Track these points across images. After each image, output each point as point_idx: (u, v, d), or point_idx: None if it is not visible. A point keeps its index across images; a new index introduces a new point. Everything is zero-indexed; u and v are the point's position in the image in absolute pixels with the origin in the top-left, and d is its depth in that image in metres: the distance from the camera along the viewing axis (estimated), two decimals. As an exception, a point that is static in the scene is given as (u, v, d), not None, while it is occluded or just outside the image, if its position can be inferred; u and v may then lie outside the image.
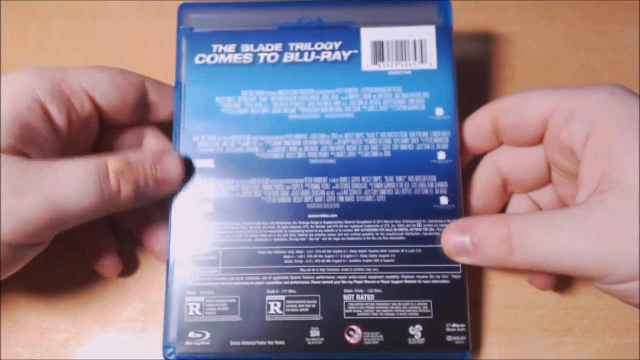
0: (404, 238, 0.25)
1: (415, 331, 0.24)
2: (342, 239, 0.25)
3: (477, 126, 0.26)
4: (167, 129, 0.28)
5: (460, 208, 0.26)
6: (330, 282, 0.25)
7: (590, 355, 0.27)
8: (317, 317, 0.25)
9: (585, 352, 0.27)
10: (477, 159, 0.28)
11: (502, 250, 0.22)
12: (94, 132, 0.26)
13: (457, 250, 0.23)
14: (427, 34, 0.27)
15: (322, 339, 0.24)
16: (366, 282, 0.25)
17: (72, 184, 0.22)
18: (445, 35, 0.27)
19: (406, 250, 0.25)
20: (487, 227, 0.22)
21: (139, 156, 0.24)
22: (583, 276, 0.21)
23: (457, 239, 0.23)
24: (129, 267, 0.29)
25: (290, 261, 0.25)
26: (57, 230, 0.23)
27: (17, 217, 0.21)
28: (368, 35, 0.27)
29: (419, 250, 0.25)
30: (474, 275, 0.28)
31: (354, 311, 0.25)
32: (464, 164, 0.27)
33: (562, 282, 0.28)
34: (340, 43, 0.27)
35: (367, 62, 0.27)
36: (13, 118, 0.22)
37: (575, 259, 0.20)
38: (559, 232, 0.20)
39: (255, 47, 0.27)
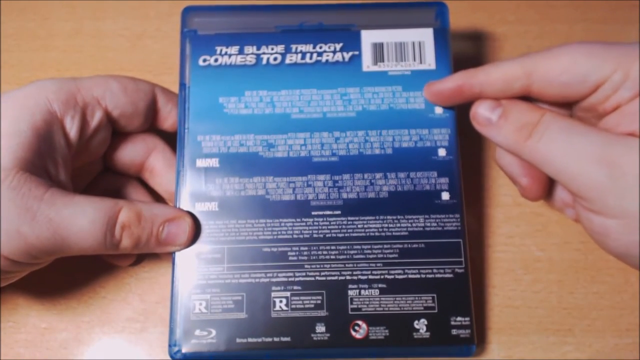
0: (407, 233, 0.26)
1: (421, 325, 0.25)
2: (346, 235, 0.26)
3: (507, 83, 0.24)
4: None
5: (462, 203, 0.26)
6: (335, 278, 0.25)
7: (590, 355, 0.28)
8: (323, 312, 0.25)
9: (585, 352, 0.28)
10: (476, 158, 0.28)
11: (522, 134, 0.23)
12: (106, 141, 0.27)
13: (483, 117, 0.24)
14: (425, 35, 0.28)
15: (328, 335, 0.25)
16: (370, 277, 0.25)
17: (80, 223, 0.22)
18: (442, 36, 0.28)
19: (409, 245, 0.26)
20: (524, 106, 0.24)
21: (152, 211, 0.25)
22: (576, 192, 0.22)
23: (489, 105, 0.24)
24: (129, 267, 0.29)
25: (295, 258, 0.26)
26: (57, 257, 0.24)
27: (22, 240, 0.22)
28: (368, 38, 0.28)
29: (422, 245, 0.26)
30: (474, 275, 0.28)
31: (359, 306, 0.25)
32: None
33: (561, 282, 0.29)
34: (341, 45, 0.28)
35: (367, 63, 0.28)
36: (31, 133, 0.23)
37: (578, 172, 0.21)
38: (579, 142, 0.21)
39: (258, 48, 0.28)
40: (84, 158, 0.26)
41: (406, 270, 0.25)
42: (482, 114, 0.24)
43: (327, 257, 0.26)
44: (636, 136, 0.21)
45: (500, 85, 0.24)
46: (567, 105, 0.24)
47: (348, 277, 0.25)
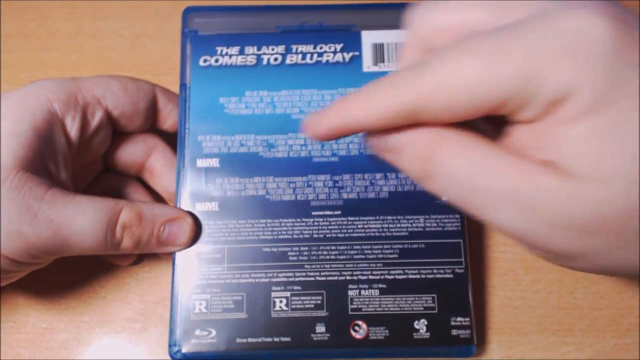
0: (407, 233, 0.26)
1: (420, 325, 0.25)
2: (346, 235, 0.26)
3: (392, 123, 0.17)
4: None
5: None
6: (335, 278, 0.25)
7: (590, 355, 0.28)
8: (323, 313, 0.25)
9: (585, 352, 0.28)
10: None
11: (421, 174, 0.17)
12: (106, 141, 0.27)
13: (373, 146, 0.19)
14: (425, 36, 0.28)
15: (328, 335, 0.25)
16: (371, 277, 0.25)
17: (81, 223, 0.22)
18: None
19: (409, 246, 0.26)
20: (416, 142, 0.17)
21: (153, 212, 0.25)
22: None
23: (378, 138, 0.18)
24: (129, 267, 0.29)
25: (295, 258, 0.26)
26: (58, 256, 0.24)
27: (23, 240, 0.22)
28: (368, 38, 0.28)
29: (422, 245, 0.26)
30: (474, 276, 0.28)
31: (359, 306, 0.25)
32: None
33: (561, 281, 0.29)
34: (341, 45, 0.28)
35: (368, 64, 0.28)
36: (32, 132, 0.23)
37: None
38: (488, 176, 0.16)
39: (259, 49, 0.28)
40: (85, 158, 0.26)
41: (406, 271, 0.25)
42: (372, 143, 0.19)
43: (327, 257, 0.26)
44: (553, 168, 0.15)
45: (385, 125, 0.17)
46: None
47: (348, 277, 0.25)
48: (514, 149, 0.16)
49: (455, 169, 0.16)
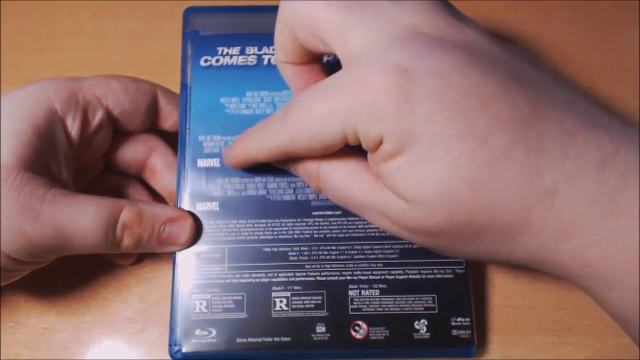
0: None
1: (421, 326, 0.25)
2: (347, 235, 0.26)
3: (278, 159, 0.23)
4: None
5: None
6: (336, 278, 0.25)
7: (590, 355, 0.28)
8: (323, 313, 0.25)
9: (585, 352, 0.28)
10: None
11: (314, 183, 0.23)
12: (107, 140, 0.27)
13: None
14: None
15: (328, 335, 0.25)
16: (371, 277, 0.25)
17: (82, 222, 0.23)
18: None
19: (410, 246, 0.26)
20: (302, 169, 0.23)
21: (153, 211, 0.25)
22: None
23: None
24: (129, 267, 0.29)
25: (296, 258, 0.26)
26: (59, 255, 0.24)
27: (24, 239, 0.22)
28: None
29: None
30: (475, 276, 0.28)
31: (359, 307, 0.25)
32: None
33: (561, 281, 0.29)
34: (342, 45, 0.28)
35: (368, 64, 0.28)
36: (33, 132, 0.23)
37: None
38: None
39: (260, 49, 0.28)
40: (85, 157, 0.26)
41: (406, 271, 0.25)
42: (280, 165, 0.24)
43: (328, 257, 0.26)
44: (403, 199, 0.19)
45: (275, 159, 0.23)
46: None
47: (348, 277, 0.25)
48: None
49: (334, 184, 0.22)
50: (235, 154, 0.24)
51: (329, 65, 0.28)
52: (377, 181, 0.20)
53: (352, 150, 0.21)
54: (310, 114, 0.20)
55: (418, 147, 0.18)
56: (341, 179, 0.21)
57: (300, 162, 0.23)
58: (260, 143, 0.22)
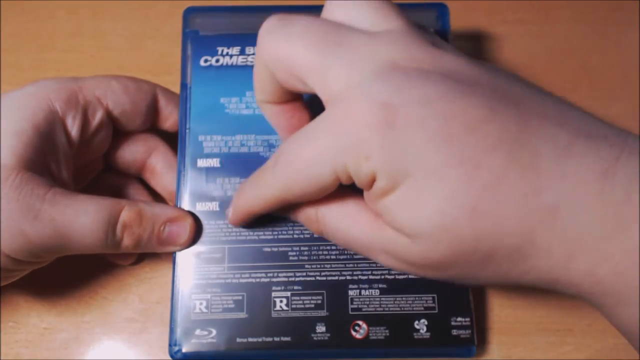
0: None
1: (421, 325, 0.25)
2: None
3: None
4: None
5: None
6: (335, 278, 0.25)
7: (590, 355, 0.28)
8: (323, 312, 0.25)
9: (585, 352, 0.28)
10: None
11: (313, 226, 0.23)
12: (107, 140, 0.27)
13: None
14: (426, 37, 0.28)
15: (328, 335, 0.25)
16: (371, 277, 0.25)
17: (82, 222, 0.23)
18: (443, 37, 0.28)
19: None
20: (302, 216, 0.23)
21: (153, 211, 0.25)
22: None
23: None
24: (129, 267, 0.29)
25: (296, 258, 0.26)
26: (59, 255, 0.24)
27: (24, 239, 0.22)
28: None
29: None
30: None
31: (359, 306, 0.25)
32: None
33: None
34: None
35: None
36: (33, 132, 0.23)
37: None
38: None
39: (259, 48, 0.28)
40: (86, 157, 0.27)
41: None
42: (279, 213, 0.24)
43: (328, 257, 0.26)
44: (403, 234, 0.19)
45: (271, 209, 0.23)
46: None
47: (348, 277, 0.25)
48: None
49: (335, 227, 0.21)
50: (236, 212, 0.24)
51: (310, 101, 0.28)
52: (377, 219, 0.20)
53: (349, 190, 0.21)
54: (299, 160, 0.19)
55: (411, 180, 0.17)
56: (340, 221, 0.21)
57: (299, 208, 0.22)
58: (255, 196, 0.22)
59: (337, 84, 0.19)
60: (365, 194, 0.20)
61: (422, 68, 0.18)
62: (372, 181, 0.18)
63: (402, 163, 0.17)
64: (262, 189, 0.22)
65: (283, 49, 0.20)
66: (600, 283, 0.17)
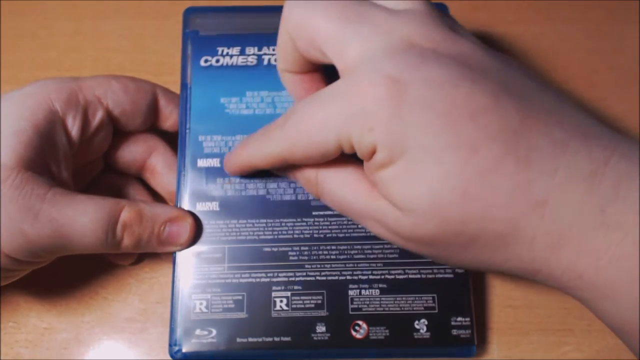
0: None
1: (421, 325, 0.25)
2: (347, 235, 0.26)
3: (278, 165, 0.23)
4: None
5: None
6: (336, 278, 0.25)
7: (590, 355, 0.28)
8: (323, 312, 0.25)
9: (585, 352, 0.28)
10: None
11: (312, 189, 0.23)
12: (107, 140, 0.27)
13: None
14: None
15: (328, 335, 0.25)
16: (371, 277, 0.25)
17: (82, 222, 0.23)
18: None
19: None
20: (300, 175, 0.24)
21: (153, 211, 0.25)
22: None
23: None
24: (129, 267, 0.29)
25: (296, 258, 0.26)
26: (59, 255, 0.24)
27: (24, 239, 0.22)
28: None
29: None
30: (475, 275, 0.28)
31: (360, 306, 0.25)
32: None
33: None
34: (342, 45, 0.28)
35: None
36: (33, 131, 0.23)
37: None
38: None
39: (260, 49, 0.28)
40: (86, 157, 0.27)
41: (406, 270, 0.25)
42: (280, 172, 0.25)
43: (328, 257, 0.26)
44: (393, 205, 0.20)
45: (272, 166, 0.23)
46: None
47: (348, 277, 0.25)
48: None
49: (332, 191, 0.22)
50: (236, 160, 0.24)
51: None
52: (373, 189, 0.21)
53: (350, 158, 0.22)
54: (308, 122, 0.20)
55: (409, 157, 0.18)
56: (338, 187, 0.22)
57: (299, 169, 0.23)
58: (259, 150, 0.23)
59: (353, 56, 0.19)
60: (365, 164, 0.20)
61: (437, 49, 0.19)
62: (373, 152, 0.19)
63: (403, 139, 0.18)
64: (268, 145, 0.22)
65: (306, 20, 0.20)
66: (581, 277, 0.18)
